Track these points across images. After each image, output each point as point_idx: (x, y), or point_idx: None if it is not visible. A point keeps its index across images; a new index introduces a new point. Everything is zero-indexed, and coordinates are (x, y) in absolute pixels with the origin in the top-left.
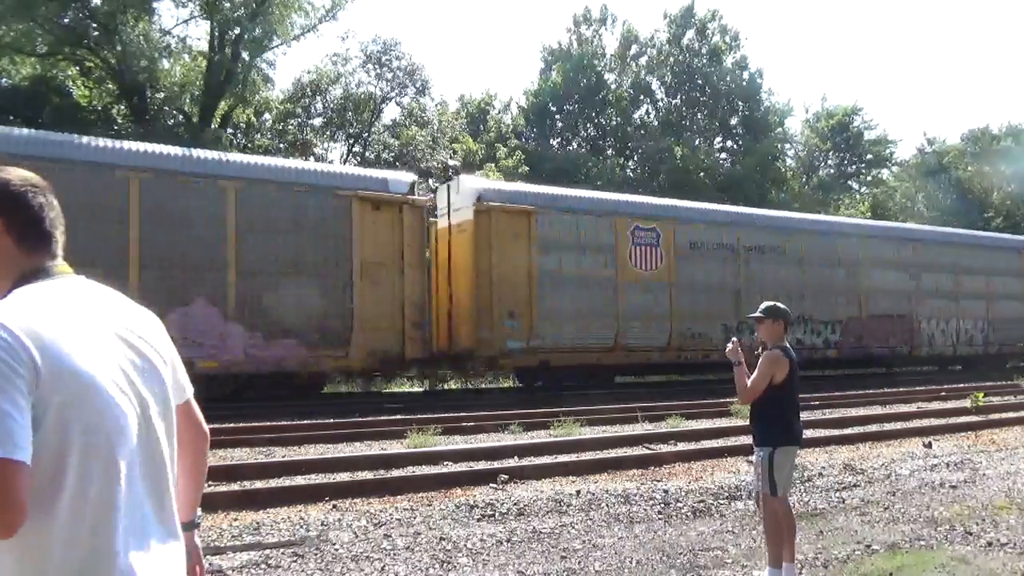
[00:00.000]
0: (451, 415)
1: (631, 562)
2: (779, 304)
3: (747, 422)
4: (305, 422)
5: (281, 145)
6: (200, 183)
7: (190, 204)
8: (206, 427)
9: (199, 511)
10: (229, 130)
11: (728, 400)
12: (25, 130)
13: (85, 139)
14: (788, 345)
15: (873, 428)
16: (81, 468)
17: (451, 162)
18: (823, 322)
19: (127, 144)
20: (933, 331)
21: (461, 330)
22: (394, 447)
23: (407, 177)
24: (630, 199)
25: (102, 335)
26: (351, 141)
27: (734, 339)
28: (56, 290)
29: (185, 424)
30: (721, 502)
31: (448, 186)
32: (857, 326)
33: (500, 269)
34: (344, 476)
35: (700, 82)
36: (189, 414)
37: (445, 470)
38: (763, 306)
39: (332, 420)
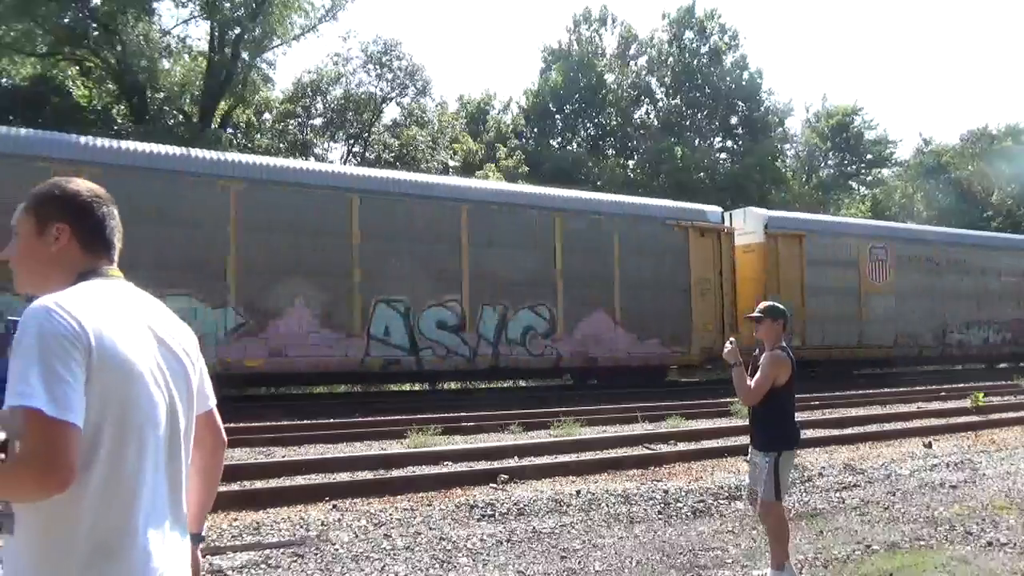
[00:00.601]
0: (451, 415)
1: (631, 562)
2: (778, 304)
3: (746, 422)
4: (305, 422)
5: (281, 145)
6: (600, 220)
7: (593, 234)
8: (224, 435)
9: (205, 526)
10: (229, 130)
11: (728, 400)
12: (419, 176)
13: (518, 188)
14: (787, 345)
15: (873, 428)
16: (114, 445)
17: (451, 163)
18: (998, 323)
19: (555, 191)
20: None
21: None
22: (394, 447)
23: (718, 209)
24: (868, 223)
25: (144, 332)
26: (351, 141)
27: (732, 340)
28: (109, 289)
29: (208, 431)
30: (721, 502)
31: (731, 214)
32: (1022, 326)
33: (783, 282)
34: (344, 476)
35: (700, 82)
36: (212, 422)
37: (445, 470)
38: (762, 305)
39: (332, 420)
